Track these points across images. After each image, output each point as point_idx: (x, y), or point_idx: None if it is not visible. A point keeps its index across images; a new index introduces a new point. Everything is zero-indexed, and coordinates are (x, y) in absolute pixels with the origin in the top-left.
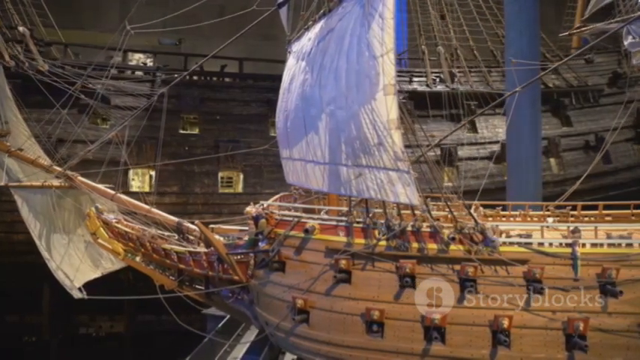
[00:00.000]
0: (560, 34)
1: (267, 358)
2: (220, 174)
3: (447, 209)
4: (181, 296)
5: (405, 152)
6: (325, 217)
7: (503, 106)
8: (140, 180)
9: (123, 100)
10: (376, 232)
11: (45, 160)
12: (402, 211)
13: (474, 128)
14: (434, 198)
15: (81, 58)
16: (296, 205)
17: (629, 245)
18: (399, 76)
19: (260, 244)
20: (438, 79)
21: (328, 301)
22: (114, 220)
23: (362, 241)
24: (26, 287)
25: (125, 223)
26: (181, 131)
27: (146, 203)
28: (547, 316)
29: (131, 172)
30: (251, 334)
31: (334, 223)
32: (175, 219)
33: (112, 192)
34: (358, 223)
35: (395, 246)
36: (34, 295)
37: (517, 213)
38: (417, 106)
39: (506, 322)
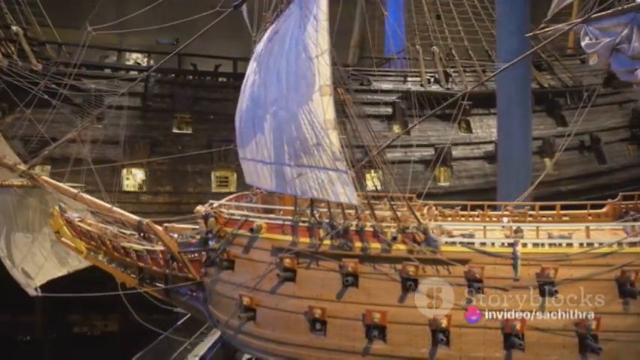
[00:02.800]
0: (526, 34)
1: (219, 355)
2: (216, 174)
3: (392, 209)
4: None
5: (342, 152)
6: (271, 215)
7: None
8: (138, 179)
9: (117, 100)
10: (321, 231)
11: (11, 159)
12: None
13: (468, 128)
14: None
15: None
16: (244, 204)
17: (569, 245)
18: (393, 75)
19: (210, 242)
20: (432, 79)
21: (274, 300)
22: (77, 219)
23: (307, 240)
24: (18, 286)
25: (88, 221)
26: (175, 130)
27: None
28: (486, 315)
29: (124, 171)
30: (217, 332)
31: (280, 222)
32: (136, 218)
33: (75, 191)
34: (304, 222)
35: (338, 245)
36: (26, 295)
37: (476, 213)
38: (411, 105)
39: (444, 322)
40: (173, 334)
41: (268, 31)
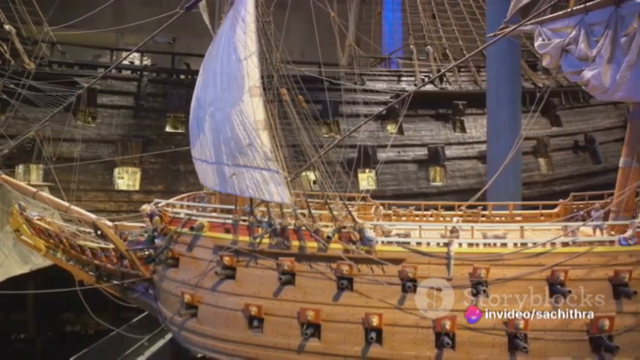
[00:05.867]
0: (488, 35)
1: (167, 351)
2: None
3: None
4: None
5: (273, 152)
6: (213, 214)
7: None
8: (130, 178)
9: (110, 99)
10: (260, 230)
11: None
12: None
13: (462, 128)
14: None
15: (68, 57)
16: (188, 203)
17: (504, 245)
18: (387, 75)
19: (156, 240)
20: (426, 79)
21: (214, 297)
22: (35, 218)
23: (247, 238)
24: (10, 286)
25: (46, 219)
26: (168, 130)
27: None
28: (418, 314)
29: (117, 170)
30: None
31: (222, 221)
32: (93, 216)
33: (34, 190)
34: (244, 221)
35: (276, 244)
36: (19, 294)
37: (429, 213)
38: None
39: (375, 320)
40: (128, 331)
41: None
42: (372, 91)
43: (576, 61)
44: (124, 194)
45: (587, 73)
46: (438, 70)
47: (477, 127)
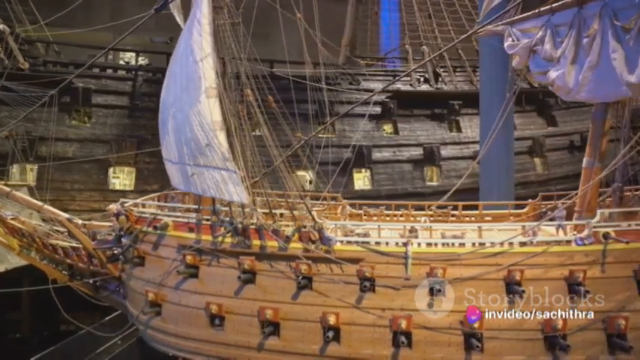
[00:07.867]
0: (464, 36)
1: (135, 348)
2: None
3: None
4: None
5: (230, 152)
6: (178, 214)
7: None
8: (125, 177)
9: (105, 99)
10: (222, 229)
11: None
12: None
13: (458, 128)
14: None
15: (63, 56)
16: (154, 202)
17: (462, 245)
18: (383, 75)
19: (123, 239)
20: (422, 79)
21: (177, 295)
22: (9, 217)
23: (209, 238)
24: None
25: (21, 219)
26: None
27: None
28: (375, 313)
29: (111, 169)
30: None
31: (185, 220)
32: (64, 215)
33: (8, 189)
34: (207, 220)
35: (237, 243)
36: (13, 293)
37: (400, 213)
38: (400, 105)
39: (333, 319)
40: (99, 329)
41: None
42: (366, 91)
43: (543, 61)
44: (118, 194)
45: (553, 74)
46: (434, 70)
47: (472, 127)
